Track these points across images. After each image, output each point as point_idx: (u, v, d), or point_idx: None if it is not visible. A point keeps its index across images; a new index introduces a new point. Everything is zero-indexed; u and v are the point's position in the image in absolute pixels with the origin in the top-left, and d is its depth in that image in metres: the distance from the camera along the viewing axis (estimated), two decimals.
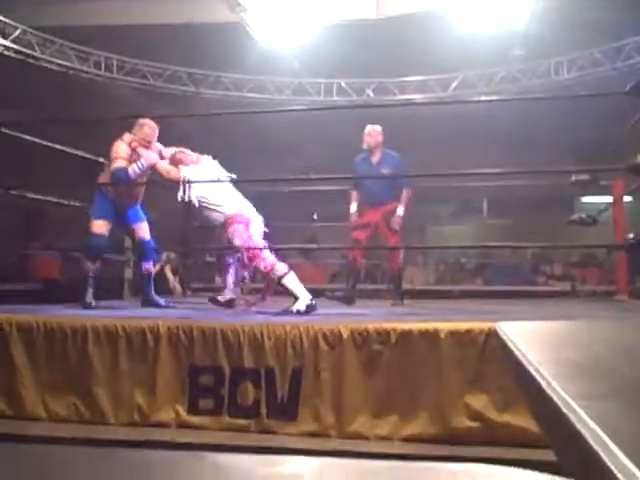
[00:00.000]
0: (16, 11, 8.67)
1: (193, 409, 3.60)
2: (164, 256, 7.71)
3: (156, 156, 5.72)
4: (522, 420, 3.12)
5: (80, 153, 6.33)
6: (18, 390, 3.81)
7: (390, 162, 6.48)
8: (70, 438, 3.48)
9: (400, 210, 6.41)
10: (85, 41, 9.45)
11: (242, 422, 3.51)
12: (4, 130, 5.17)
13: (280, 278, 5.24)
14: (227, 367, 3.60)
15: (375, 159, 6.51)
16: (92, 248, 5.69)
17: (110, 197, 5.73)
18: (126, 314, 4.60)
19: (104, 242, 5.73)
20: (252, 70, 10.16)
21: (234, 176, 5.67)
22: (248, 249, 5.36)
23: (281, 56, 9.58)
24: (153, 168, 5.68)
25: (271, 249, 5.48)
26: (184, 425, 3.57)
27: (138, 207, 5.95)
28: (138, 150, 5.65)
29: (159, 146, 5.85)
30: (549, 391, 0.98)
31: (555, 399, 0.93)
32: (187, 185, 5.52)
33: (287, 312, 4.98)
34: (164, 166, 5.66)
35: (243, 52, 9.39)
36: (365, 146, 6.53)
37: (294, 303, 5.09)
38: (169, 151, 5.83)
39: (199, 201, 5.51)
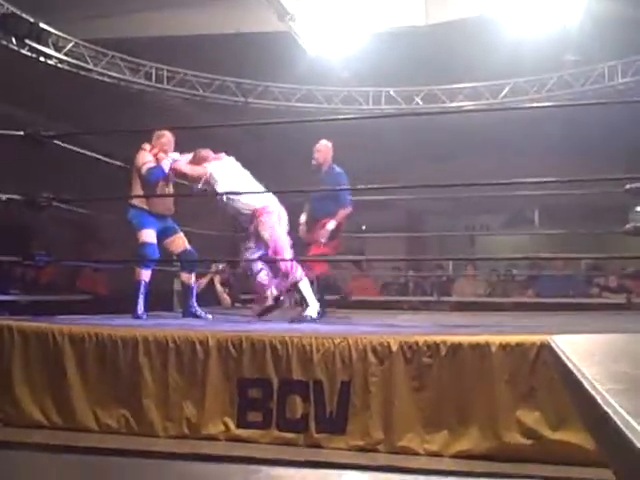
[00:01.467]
0: (69, 24, 8.83)
1: (242, 422, 3.59)
2: (213, 267, 7.74)
3: (178, 155, 5.95)
4: (577, 437, 3.04)
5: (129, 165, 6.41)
6: (70, 401, 3.85)
7: (332, 179, 6.35)
8: (120, 450, 3.50)
9: (330, 224, 6.23)
10: (136, 53, 9.58)
11: (290, 436, 3.49)
12: (56, 142, 5.24)
13: (297, 282, 5.49)
14: (275, 380, 3.59)
15: (321, 175, 6.41)
16: (145, 257, 5.74)
17: (146, 209, 5.81)
18: (176, 325, 4.62)
19: (156, 251, 5.80)
20: (301, 79, 10.17)
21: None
22: (275, 243, 5.58)
23: (330, 65, 9.57)
24: (177, 171, 5.88)
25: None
26: (233, 438, 3.56)
27: (171, 219, 6.04)
28: (158, 156, 5.86)
29: (176, 155, 6.00)
30: (605, 407, 0.94)
31: (612, 415, 0.90)
32: (213, 180, 5.70)
33: (300, 320, 5.31)
34: (187, 166, 5.90)
35: (292, 61, 9.41)
36: (314, 162, 6.42)
37: (305, 310, 5.41)
38: (187, 157, 5.99)
39: (226, 195, 5.68)
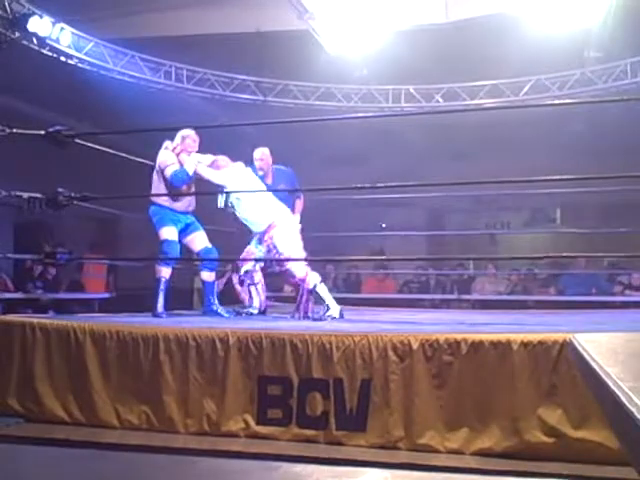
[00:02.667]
0: (89, 24, 8.88)
1: (262, 419, 3.60)
2: (230, 266, 7.71)
3: (201, 157, 5.93)
4: (599, 435, 3.02)
5: (149, 162, 6.41)
6: (91, 398, 3.88)
7: (284, 178, 6.50)
8: (141, 446, 3.51)
9: (297, 218, 6.43)
10: (156, 52, 9.61)
11: (311, 433, 3.50)
12: (77, 141, 5.26)
13: (315, 286, 5.57)
14: (296, 377, 3.59)
15: (269, 180, 6.49)
16: (166, 254, 5.73)
17: (167, 206, 5.79)
18: (196, 323, 4.63)
19: (176, 248, 5.79)
20: (320, 78, 10.15)
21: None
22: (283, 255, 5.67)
23: (349, 63, 9.55)
24: (200, 175, 5.87)
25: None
26: (253, 435, 3.57)
27: (193, 216, 6.02)
28: (180, 156, 5.80)
29: (199, 156, 5.97)
30: (630, 406, 0.93)
31: (636, 414, 0.88)
32: (230, 186, 5.78)
33: (323, 319, 5.37)
34: (209, 171, 5.87)
35: (311, 60, 9.40)
36: (260, 172, 6.42)
37: (327, 310, 5.47)
38: (207, 159, 6.00)
39: (242, 205, 5.76)
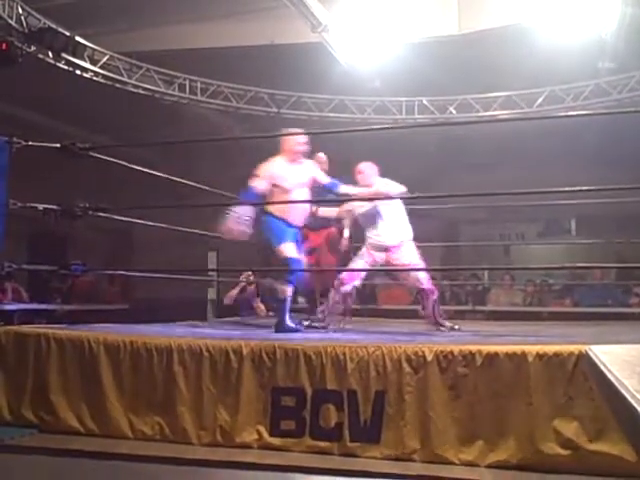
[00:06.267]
0: (104, 38, 8.96)
1: (275, 430, 3.58)
2: (243, 277, 7.66)
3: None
4: (616, 448, 2.98)
5: (166, 175, 6.41)
6: (105, 408, 3.88)
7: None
8: (154, 457, 3.51)
9: (347, 232, 6.53)
10: (170, 65, 9.67)
11: (324, 444, 3.47)
12: (92, 154, 5.29)
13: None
14: (309, 389, 3.58)
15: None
16: (293, 272, 5.35)
17: (284, 219, 5.45)
18: (210, 334, 4.63)
19: (302, 265, 5.48)
20: (334, 90, 10.19)
21: None
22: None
23: (362, 75, 9.57)
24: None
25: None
26: (266, 446, 3.55)
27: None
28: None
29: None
30: None
31: None
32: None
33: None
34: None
35: (325, 72, 9.42)
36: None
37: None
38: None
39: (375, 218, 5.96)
